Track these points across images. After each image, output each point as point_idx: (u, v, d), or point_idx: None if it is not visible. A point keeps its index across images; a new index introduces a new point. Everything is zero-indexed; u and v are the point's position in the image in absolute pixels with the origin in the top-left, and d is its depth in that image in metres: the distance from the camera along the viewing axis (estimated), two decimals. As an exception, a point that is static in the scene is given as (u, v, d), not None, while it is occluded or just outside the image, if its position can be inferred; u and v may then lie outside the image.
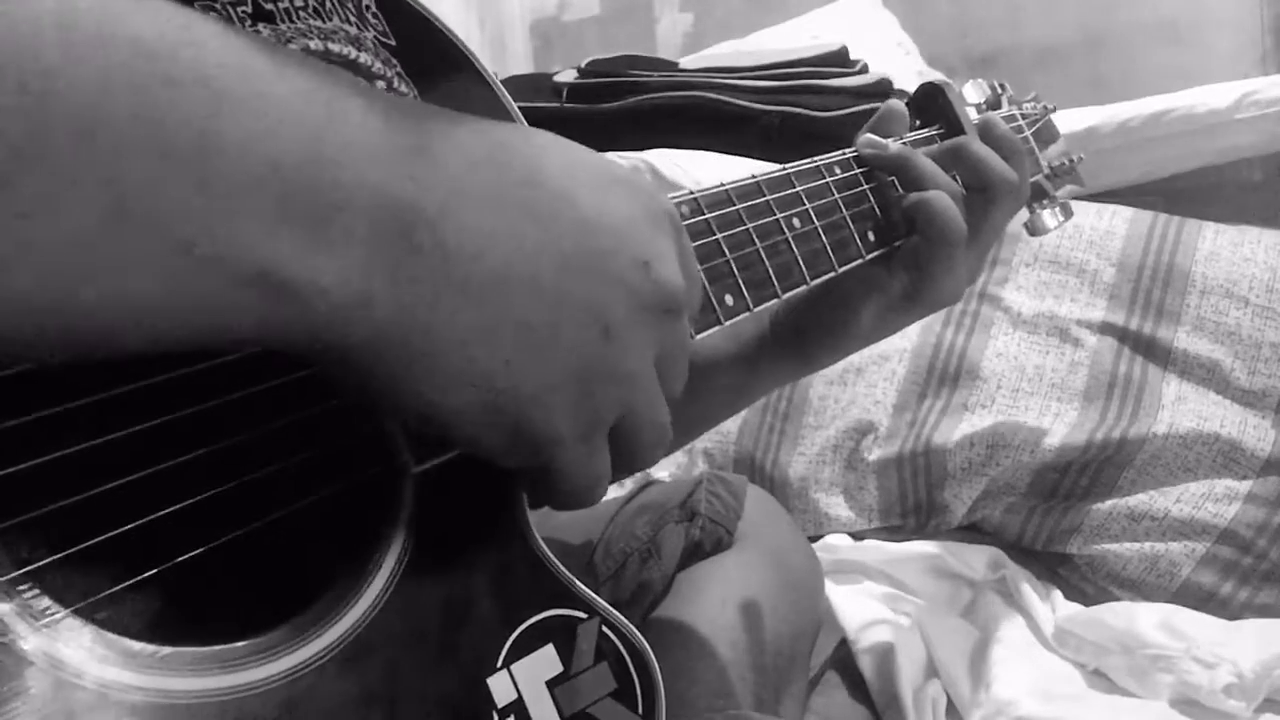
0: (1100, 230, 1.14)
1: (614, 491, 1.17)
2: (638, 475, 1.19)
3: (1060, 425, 1.03)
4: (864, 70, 1.55)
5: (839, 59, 1.58)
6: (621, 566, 0.72)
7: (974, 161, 0.61)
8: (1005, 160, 0.61)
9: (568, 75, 1.63)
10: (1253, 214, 1.17)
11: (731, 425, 1.17)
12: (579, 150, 0.36)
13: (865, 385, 1.13)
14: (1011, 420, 1.05)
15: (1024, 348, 1.09)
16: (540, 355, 0.32)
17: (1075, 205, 1.18)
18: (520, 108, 1.55)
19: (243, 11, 0.38)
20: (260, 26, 0.38)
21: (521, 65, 2.35)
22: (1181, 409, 1.02)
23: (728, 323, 0.47)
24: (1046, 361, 1.08)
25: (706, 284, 0.47)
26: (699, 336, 0.45)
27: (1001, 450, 1.02)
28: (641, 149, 1.40)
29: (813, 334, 0.61)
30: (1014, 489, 1.04)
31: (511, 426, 0.32)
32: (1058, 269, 1.14)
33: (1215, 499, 0.98)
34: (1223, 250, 1.10)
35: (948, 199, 0.57)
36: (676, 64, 1.70)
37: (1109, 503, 1.00)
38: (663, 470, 1.21)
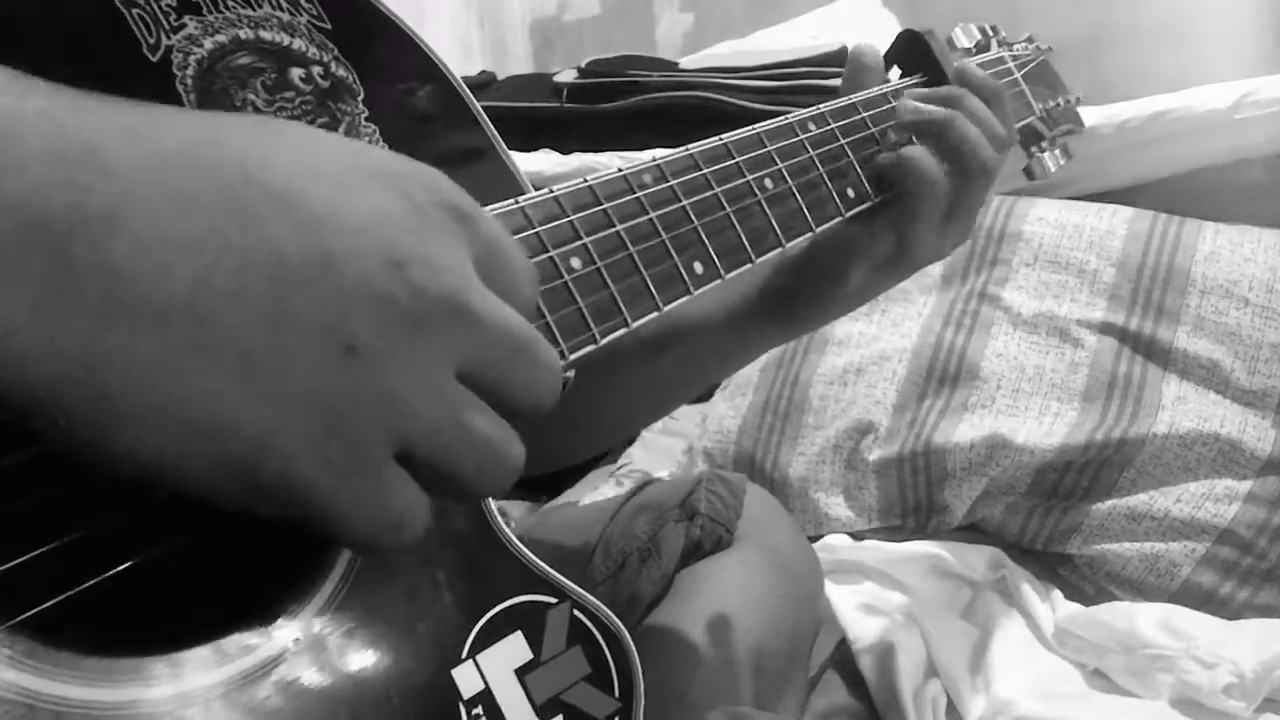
0: (1100, 230, 1.14)
1: (613, 490, 1.17)
2: (637, 474, 1.19)
3: (1060, 425, 1.03)
4: (864, 70, 1.55)
5: (839, 59, 1.58)
6: (621, 565, 0.72)
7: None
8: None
9: (568, 75, 1.63)
10: (1253, 214, 1.17)
11: (731, 425, 1.17)
12: (326, 140, 0.30)
13: (865, 385, 1.13)
14: (1011, 420, 1.05)
15: (1024, 348, 1.09)
16: (261, 384, 0.26)
17: (1075, 205, 1.19)
18: (520, 108, 1.56)
19: (167, 5, 0.37)
20: (187, 19, 0.37)
21: (521, 65, 2.35)
22: (1181, 409, 1.02)
23: (697, 292, 0.46)
24: (1046, 361, 1.08)
25: (674, 253, 0.45)
26: (667, 308, 0.44)
27: (1001, 450, 1.02)
28: (641, 149, 1.40)
29: (801, 296, 0.62)
30: (1014, 489, 1.04)
31: (246, 472, 0.27)
32: (1058, 269, 1.13)
33: (1215, 499, 0.98)
34: (1223, 250, 1.10)
35: (926, 153, 0.57)
36: (676, 64, 1.70)
37: (1109, 503, 1.00)
38: (662, 469, 1.21)
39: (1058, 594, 0.98)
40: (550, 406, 0.32)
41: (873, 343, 1.16)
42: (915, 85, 0.64)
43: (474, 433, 0.30)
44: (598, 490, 1.20)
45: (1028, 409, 1.05)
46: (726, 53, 1.86)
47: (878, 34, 1.83)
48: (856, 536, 1.07)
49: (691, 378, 0.69)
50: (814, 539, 1.04)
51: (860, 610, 0.93)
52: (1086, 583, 1.01)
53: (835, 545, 1.04)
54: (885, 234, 0.60)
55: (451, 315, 0.29)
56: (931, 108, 0.59)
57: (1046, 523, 1.03)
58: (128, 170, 0.26)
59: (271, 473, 0.27)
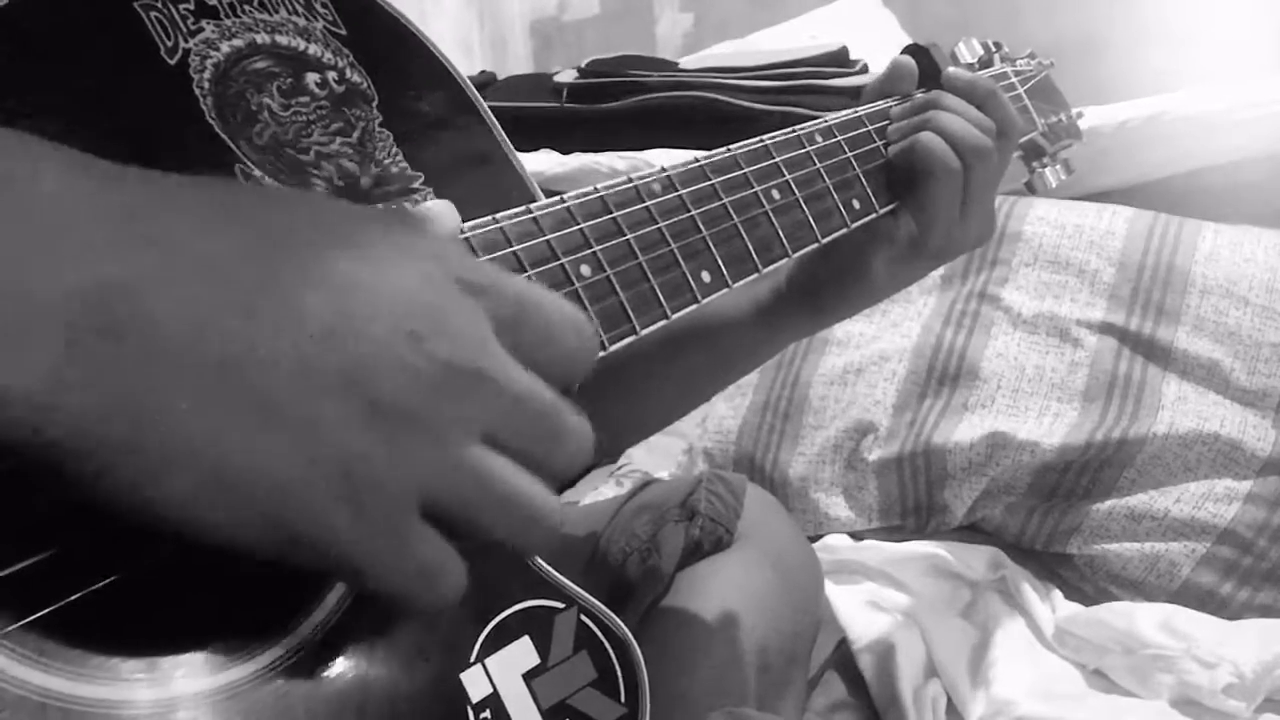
0: (1100, 230, 1.14)
1: (613, 490, 1.17)
2: (637, 474, 1.19)
3: (1060, 425, 1.03)
4: (864, 70, 1.55)
5: (839, 59, 1.58)
6: (621, 565, 0.72)
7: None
8: (978, 108, 0.63)
9: (568, 75, 1.63)
10: (1253, 214, 1.17)
11: (731, 425, 1.17)
12: (344, 210, 0.32)
13: (865, 385, 1.13)
14: (1011, 420, 1.05)
15: (1024, 348, 1.09)
16: (287, 439, 0.27)
17: (1075, 205, 1.19)
18: (520, 108, 1.56)
19: (185, 9, 0.37)
20: (204, 23, 0.38)
21: (521, 65, 2.35)
22: (1181, 409, 1.02)
23: (705, 300, 0.46)
24: (1046, 361, 1.08)
25: (682, 261, 0.45)
26: (675, 316, 0.44)
27: (1001, 450, 1.02)
28: (641, 149, 1.41)
29: (827, 287, 0.63)
30: (1014, 489, 1.04)
31: (273, 524, 0.28)
32: (1058, 269, 1.14)
33: (1215, 499, 0.98)
34: (1223, 250, 1.10)
35: (937, 136, 0.59)
36: (676, 64, 1.70)
37: (1109, 503, 1.00)
38: (662, 469, 1.21)
39: (1058, 594, 0.98)
40: (577, 468, 0.33)
41: (873, 343, 1.16)
42: (916, 97, 0.65)
43: (499, 490, 0.30)
44: (598, 490, 1.20)
45: (1028, 409, 1.05)
46: (726, 53, 1.87)
47: (878, 34, 1.83)
48: (856, 536, 1.07)
49: (720, 372, 0.70)
50: (814, 539, 1.04)
51: (860, 610, 0.93)
52: (1086, 583, 1.01)
53: (835, 545, 1.04)
54: (907, 219, 0.61)
55: (471, 384, 0.30)
56: (908, 121, 0.61)
57: (1046, 523, 1.03)
58: (170, 237, 0.27)
59: (298, 525, 0.28)
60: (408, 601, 0.30)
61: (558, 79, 1.64)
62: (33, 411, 0.25)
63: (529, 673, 0.37)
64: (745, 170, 0.51)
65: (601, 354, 0.41)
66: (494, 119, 0.45)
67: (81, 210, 0.27)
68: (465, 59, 2.29)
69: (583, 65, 1.63)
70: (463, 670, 0.36)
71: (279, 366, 0.27)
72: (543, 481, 0.32)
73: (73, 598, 0.30)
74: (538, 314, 0.33)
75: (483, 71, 1.86)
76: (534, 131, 1.56)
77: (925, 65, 0.66)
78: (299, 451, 0.28)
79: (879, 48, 1.74)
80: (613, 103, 1.56)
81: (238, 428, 0.27)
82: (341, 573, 0.29)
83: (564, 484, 0.32)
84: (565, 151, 1.47)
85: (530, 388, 0.31)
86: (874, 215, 0.59)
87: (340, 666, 0.33)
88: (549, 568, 0.40)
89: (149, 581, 0.32)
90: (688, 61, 1.74)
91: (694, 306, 0.46)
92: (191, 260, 0.27)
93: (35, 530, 0.30)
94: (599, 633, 0.39)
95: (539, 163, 1.42)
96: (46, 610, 0.30)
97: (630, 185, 0.45)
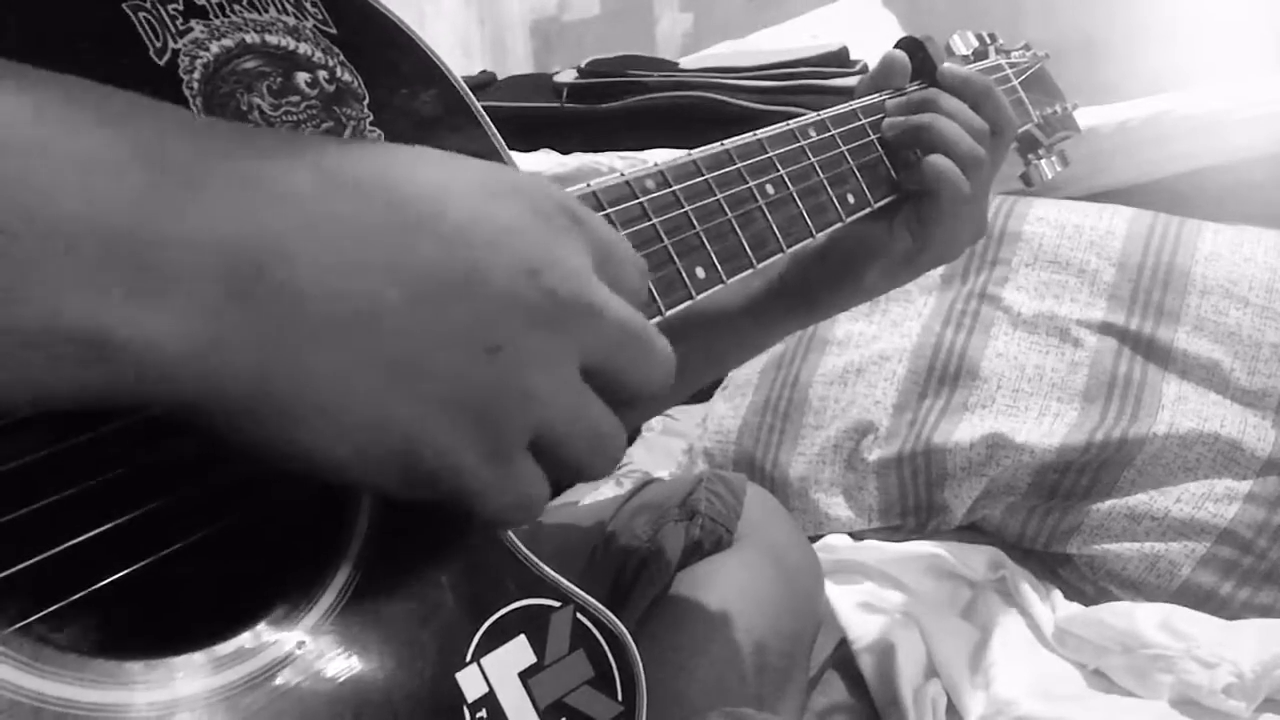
0: (1100, 230, 1.14)
1: (613, 490, 1.17)
2: (637, 474, 1.19)
3: (1060, 425, 1.03)
4: (864, 70, 1.55)
5: (839, 59, 1.59)
6: (621, 565, 0.72)
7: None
8: (974, 108, 0.63)
9: (568, 75, 1.63)
10: (1253, 214, 1.17)
11: (731, 425, 1.17)
12: (453, 158, 0.34)
13: (865, 385, 1.13)
14: (1011, 420, 1.05)
15: (1024, 348, 1.09)
16: (418, 387, 0.30)
17: (1075, 205, 1.19)
18: (520, 108, 1.56)
19: (174, 9, 0.37)
20: (193, 23, 0.38)
21: (521, 65, 2.35)
22: (1182, 409, 1.02)
23: (699, 296, 0.46)
24: (1046, 361, 1.08)
25: (676, 258, 0.46)
26: (669, 313, 0.45)
27: (1001, 450, 1.02)
28: (641, 149, 1.41)
29: (819, 289, 0.64)
30: (1014, 489, 1.04)
31: (402, 463, 0.30)
32: (1058, 269, 1.13)
33: (1215, 499, 0.98)
34: (1223, 250, 1.10)
35: (951, 163, 0.59)
36: (676, 64, 1.70)
37: (1109, 503, 1.00)
38: (662, 469, 1.21)
39: (1058, 594, 0.98)
40: (663, 390, 0.36)
41: (873, 343, 1.16)
42: (911, 93, 0.65)
43: (592, 423, 0.34)
44: (598, 490, 1.19)
45: (1028, 409, 1.05)
46: (726, 53, 1.87)
47: (878, 34, 1.83)
48: (856, 536, 1.07)
49: (711, 364, 0.72)
50: (814, 539, 1.04)
51: (860, 610, 0.93)
52: (1086, 583, 1.01)
53: (835, 545, 1.04)
54: (902, 233, 0.61)
55: (579, 314, 0.33)
56: (904, 119, 0.61)
57: (1046, 523, 1.03)
58: (295, 200, 0.29)
59: (429, 462, 0.31)
60: (503, 524, 0.34)
61: (558, 79, 1.64)
62: (184, 367, 0.27)
63: (525, 671, 0.37)
64: (739, 165, 0.51)
65: None
66: (487, 118, 0.45)
67: (211, 169, 0.28)
68: (465, 59, 2.29)
69: (583, 65, 1.63)
70: (458, 670, 0.36)
71: (411, 320, 0.30)
72: (625, 409, 0.35)
73: (69, 600, 0.31)
74: (617, 248, 0.36)
75: (483, 72, 1.86)
76: (534, 131, 1.56)
77: (920, 59, 0.66)
78: (431, 402, 0.30)
79: (879, 48, 1.73)
80: (613, 103, 1.56)
81: (373, 382, 0.29)
82: (457, 502, 0.32)
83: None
84: (565, 151, 1.47)
85: (628, 315, 0.34)
86: (869, 209, 0.59)
87: (336, 668, 0.33)
88: (545, 566, 0.39)
89: (140, 586, 0.32)
90: (688, 61, 1.74)
91: (688, 303, 0.46)
92: (319, 223, 0.29)
93: (21, 535, 0.30)
94: (596, 631, 0.39)
95: (539, 163, 1.42)
96: (38, 615, 0.30)
97: (623, 181, 0.45)
